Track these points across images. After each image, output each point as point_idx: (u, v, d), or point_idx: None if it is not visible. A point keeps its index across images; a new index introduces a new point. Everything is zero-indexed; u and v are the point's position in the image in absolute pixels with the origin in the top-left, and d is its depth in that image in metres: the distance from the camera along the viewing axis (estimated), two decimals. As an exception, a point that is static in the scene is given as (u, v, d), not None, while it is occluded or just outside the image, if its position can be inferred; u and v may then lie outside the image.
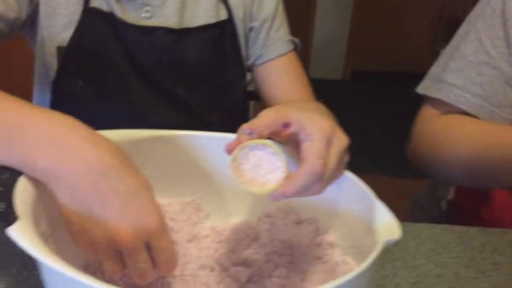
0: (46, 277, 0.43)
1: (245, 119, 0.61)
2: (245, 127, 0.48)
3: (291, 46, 0.86)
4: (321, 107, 0.56)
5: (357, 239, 0.55)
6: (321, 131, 0.47)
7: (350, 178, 0.55)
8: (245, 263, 0.58)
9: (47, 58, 0.77)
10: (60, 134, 0.43)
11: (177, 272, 0.55)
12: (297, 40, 0.88)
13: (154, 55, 0.79)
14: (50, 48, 0.77)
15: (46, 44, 0.77)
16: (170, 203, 0.62)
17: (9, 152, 0.43)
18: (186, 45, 0.80)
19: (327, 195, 0.50)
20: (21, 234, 0.39)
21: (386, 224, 0.49)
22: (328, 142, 0.47)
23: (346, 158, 0.52)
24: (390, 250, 0.66)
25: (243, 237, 0.61)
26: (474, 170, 0.78)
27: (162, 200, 0.58)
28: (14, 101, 0.45)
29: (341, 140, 0.49)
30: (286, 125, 0.49)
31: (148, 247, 0.44)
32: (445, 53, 0.86)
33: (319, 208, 0.59)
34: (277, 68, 0.85)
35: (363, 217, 0.53)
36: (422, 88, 0.85)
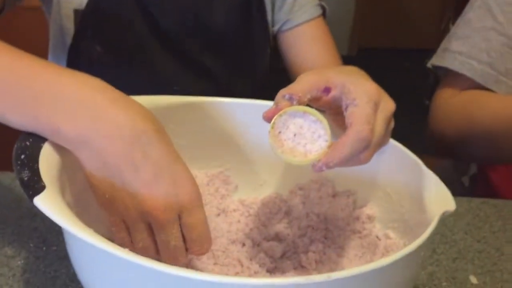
0: (73, 248, 0.40)
1: (269, 86, 0.57)
2: (284, 92, 0.43)
3: (319, 11, 0.81)
4: (361, 71, 0.52)
5: (402, 213, 0.51)
6: (366, 95, 0.43)
7: (394, 145, 0.51)
8: (278, 238, 0.55)
9: (63, 22, 0.73)
10: (89, 96, 0.39)
11: None
12: (325, 4, 0.83)
13: (177, 19, 0.75)
14: (67, 10, 0.72)
15: (63, 6, 0.72)
16: (196, 175, 0.58)
17: (33, 115, 0.39)
18: (211, 7, 0.76)
19: (366, 164, 0.45)
20: (48, 203, 0.36)
21: (438, 195, 0.45)
22: (375, 107, 0.43)
23: (392, 125, 0.48)
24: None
25: (275, 210, 0.57)
26: (495, 144, 0.75)
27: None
28: (39, 61, 0.41)
29: (388, 104, 0.45)
30: (327, 90, 0.45)
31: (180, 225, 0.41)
32: (455, 25, 0.83)
33: (357, 179, 0.55)
34: (305, 34, 0.80)
35: (410, 188, 0.49)
36: (430, 62, 0.82)
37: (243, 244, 0.54)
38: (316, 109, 0.45)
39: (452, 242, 0.61)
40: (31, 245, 0.54)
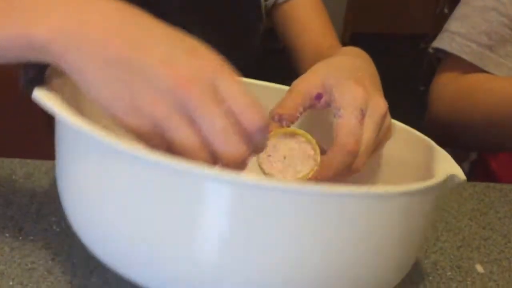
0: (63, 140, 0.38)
1: (262, 67, 0.55)
2: (274, 113, 0.43)
3: None
4: (359, 54, 0.50)
5: None
6: (351, 104, 0.42)
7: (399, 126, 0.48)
8: None
9: None
10: None
11: None
12: None
13: None
14: None
15: None
16: None
17: (5, 24, 0.34)
18: None
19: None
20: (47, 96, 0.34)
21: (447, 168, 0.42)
22: (361, 114, 0.42)
23: (388, 122, 0.46)
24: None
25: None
26: (499, 131, 0.72)
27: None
28: None
29: (378, 107, 0.44)
30: (319, 96, 0.45)
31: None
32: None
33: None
34: (301, 5, 0.77)
35: (420, 167, 0.46)
36: (431, 45, 0.79)
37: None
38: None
39: (457, 230, 0.58)
40: (7, 234, 0.50)
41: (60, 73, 0.37)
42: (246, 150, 0.34)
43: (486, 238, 0.57)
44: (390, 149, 0.49)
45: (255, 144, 0.35)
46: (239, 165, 0.34)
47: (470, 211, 0.61)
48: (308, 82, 0.45)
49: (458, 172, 0.41)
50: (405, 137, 0.49)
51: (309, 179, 0.43)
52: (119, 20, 0.34)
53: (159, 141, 0.34)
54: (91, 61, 0.33)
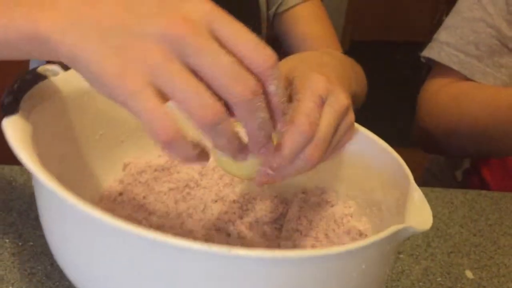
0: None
1: None
2: None
3: None
4: (340, 62, 0.49)
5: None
6: (310, 89, 0.40)
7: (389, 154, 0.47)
8: (265, 236, 0.52)
9: None
10: None
11: None
12: None
13: None
14: None
15: None
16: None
17: (10, 18, 0.34)
18: None
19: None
20: (12, 127, 0.36)
21: (418, 210, 0.40)
22: (319, 100, 0.40)
23: (350, 120, 0.43)
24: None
25: (270, 209, 0.55)
26: (485, 137, 0.74)
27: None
28: None
29: (338, 99, 0.41)
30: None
31: None
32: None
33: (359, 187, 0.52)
34: (302, 14, 0.78)
35: (398, 201, 0.45)
36: (422, 54, 0.81)
37: (228, 235, 0.51)
38: None
39: (447, 236, 0.59)
40: (7, 240, 0.51)
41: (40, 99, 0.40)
42: (258, 89, 0.31)
43: (477, 244, 0.58)
44: (357, 156, 0.49)
45: (270, 85, 0.33)
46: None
47: (461, 218, 0.62)
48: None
49: (419, 221, 0.38)
50: (392, 167, 0.46)
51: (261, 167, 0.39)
52: None
53: (155, 100, 0.30)
54: (88, 39, 0.31)
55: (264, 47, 0.32)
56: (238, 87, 0.30)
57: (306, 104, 0.39)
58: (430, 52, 0.78)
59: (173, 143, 0.31)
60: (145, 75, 0.30)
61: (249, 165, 0.39)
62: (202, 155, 0.34)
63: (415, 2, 3.93)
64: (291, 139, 0.38)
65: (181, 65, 0.30)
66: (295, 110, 0.39)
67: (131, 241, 0.31)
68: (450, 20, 0.78)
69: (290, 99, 0.42)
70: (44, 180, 0.32)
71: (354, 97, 0.50)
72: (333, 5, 3.78)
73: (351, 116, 0.44)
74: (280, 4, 0.79)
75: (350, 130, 0.44)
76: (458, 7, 0.78)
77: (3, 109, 0.38)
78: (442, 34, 0.77)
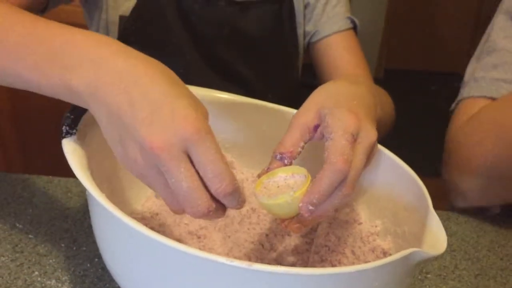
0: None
1: (299, 100, 0.58)
2: (276, 152, 0.45)
3: (348, 24, 0.83)
4: (366, 90, 0.51)
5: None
6: (342, 128, 0.43)
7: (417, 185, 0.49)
8: (296, 251, 0.56)
9: (109, 27, 0.77)
10: (96, 50, 0.40)
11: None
12: (355, 19, 0.85)
13: (215, 27, 0.78)
14: (113, 17, 0.76)
15: (110, 13, 0.77)
16: (243, 172, 0.62)
17: (48, 74, 0.41)
18: (246, 17, 0.79)
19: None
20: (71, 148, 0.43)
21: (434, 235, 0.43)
22: (351, 138, 0.43)
23: (374, 153, 0.47)
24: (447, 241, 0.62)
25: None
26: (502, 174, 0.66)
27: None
28: (55, 23, 0.43)
29: (368, 135, 0.44)
30: (317, 127, 0.46)
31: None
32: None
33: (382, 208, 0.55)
34: (334, 45, 0.82)
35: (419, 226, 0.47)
36: (465, 92, 0.75)
37: (262, 245, 0.55)
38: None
39: (475, 259, 0.61)
40: (62, 245, 0.56)
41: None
42: (211, 209, 0.39)
43: (503, 268, 0.59)
44: (383, 178, 0.52)
45: (228, 205, 0.40)
46: (213, 215, 0.39)
47: (489, 242, 0.64)
48: (305, 115, 0.46)
49: (433, 245, 0.40)
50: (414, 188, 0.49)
51: (302, 201, 0.42)
52: (129, 78, 0.39)
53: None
54: (101, 113, 0.40)
55: (224, 177, 0.38)
56: (188, 209, 0.39)
57: (339, 142, 0.42)
58: (482, 90, 0.72)
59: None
60: (136, 172, 0.39)
61: (290, 204, 0.42)
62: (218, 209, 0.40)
63: (452, 33, 3.92)
64: (328, 177, 0.41)
65: (158, 175, 0.38)
66: (330, 149, 0.42)
67: (187, 260, 0.36)
68: (491, 59, 0.74)
69: (321, 135, 0.45)
70: (96, 196, 0.39)
71: (379, 123, 0.52)
72: (369, 33, 3.82)
73: (377, 149, 0.48)
74: (314, 33, 0.83)
75: (371, 159, 0.48)
76: (496, 43, 0.74)
77: (64, 130, 0.45)
78: (493, 73, 0.73)
